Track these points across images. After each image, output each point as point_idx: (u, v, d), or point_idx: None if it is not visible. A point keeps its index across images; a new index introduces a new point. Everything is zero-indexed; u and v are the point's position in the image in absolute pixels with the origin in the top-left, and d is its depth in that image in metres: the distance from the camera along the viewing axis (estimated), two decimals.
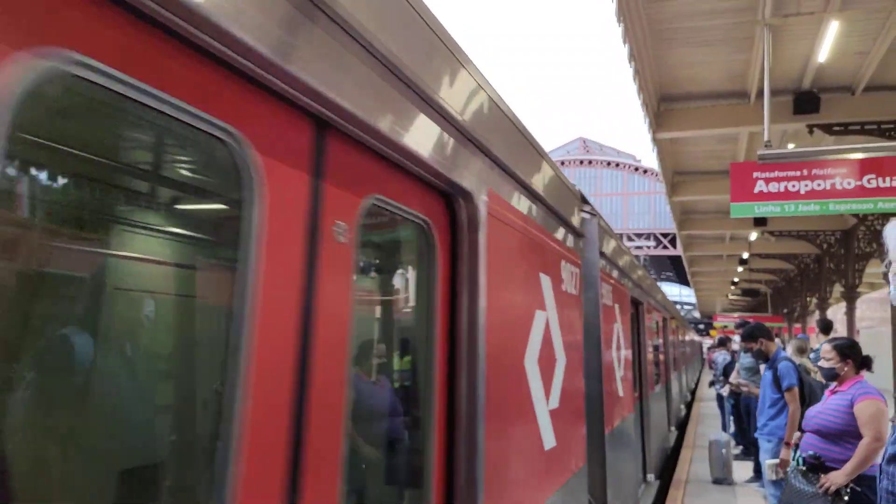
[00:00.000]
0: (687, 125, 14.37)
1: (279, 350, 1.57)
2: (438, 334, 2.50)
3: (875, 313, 36.31)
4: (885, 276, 2.40)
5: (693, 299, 69.40)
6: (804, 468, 4.93)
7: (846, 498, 4.69)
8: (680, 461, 11.90)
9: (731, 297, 48.77)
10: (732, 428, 12.09)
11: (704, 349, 44.08)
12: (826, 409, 5.12)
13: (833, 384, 5.24)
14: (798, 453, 5.12)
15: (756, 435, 7.17)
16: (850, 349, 5.15)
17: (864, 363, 5.17)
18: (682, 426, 17.04)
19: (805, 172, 9.78)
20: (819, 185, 9.71)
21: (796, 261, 28.44)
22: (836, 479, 4.74)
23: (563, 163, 78.04)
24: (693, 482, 9.88)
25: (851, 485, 4.71)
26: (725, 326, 39.13)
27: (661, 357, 12.92)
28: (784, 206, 9.91)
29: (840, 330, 25.40)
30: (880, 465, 2.61)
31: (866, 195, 9.58)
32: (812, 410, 5.35)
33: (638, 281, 9.07)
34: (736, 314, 46.72)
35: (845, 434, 4.88)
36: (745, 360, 9.62)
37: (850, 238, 20.49)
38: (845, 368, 5.09)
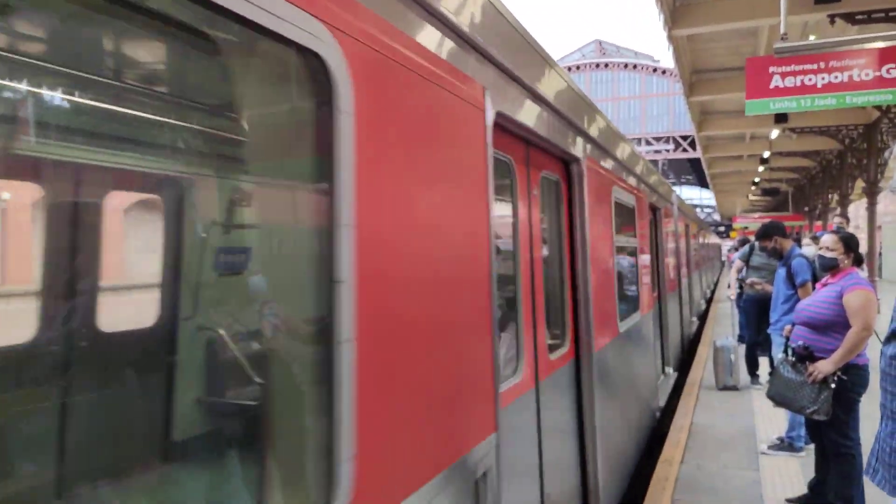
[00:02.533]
0: (704, 20, 13.89)
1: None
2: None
3: None
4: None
5: (713, 202, 68.85)
6: (794, 359, 5.03)
7: (833, 386, 4.79)
8: (696, 358, 12.18)
9: (751, 197, 48.28)
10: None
11: (724, 251, 44.15)
12: (816, 300, 5.16)
13: (826, 276, 5.27)
14: (788, 345, 5.21)
15: (769, 331, 7.26)
16: (853, 241, 5.15)
17: (860, 259, 5.19)
18: (701, 325, 17.37)
19: (822, 65, 9.48)
20: (836, 77, 9.42)
21: (818, 157, 27.94)
22: (823, 367, 4.82)
23: (578, 67, 76.03)
24: (707, 385, 10.08)
25: (838, 373, 4.81)
26: (746, 227, 38.87)
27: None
28: (800, 101, 9.66)
29: (862, 225, 25.20)
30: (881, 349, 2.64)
31: (885, 86, 9.28)
32: (803, 303, 5.40)
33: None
34: (756, 214, 46.39)
35: (834, 325, 4.93)
36: (757, 259, 9.60)
37: (873, 132, 20.02)
38: (846, 261, 5.09)
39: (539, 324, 3.80)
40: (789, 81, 9.67)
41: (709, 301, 22.98)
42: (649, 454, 7.36)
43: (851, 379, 4.84)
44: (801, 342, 5.06)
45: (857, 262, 5.18)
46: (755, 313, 9.54)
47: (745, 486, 5.97)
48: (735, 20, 13.64)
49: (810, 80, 9.57)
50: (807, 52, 9.09)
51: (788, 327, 5.55)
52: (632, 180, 7.00)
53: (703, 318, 18.93)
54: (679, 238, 12.99)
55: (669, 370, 9.94)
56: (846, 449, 4.91)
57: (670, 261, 11.03)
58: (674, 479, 6.14)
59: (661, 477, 6.19)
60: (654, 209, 9.15)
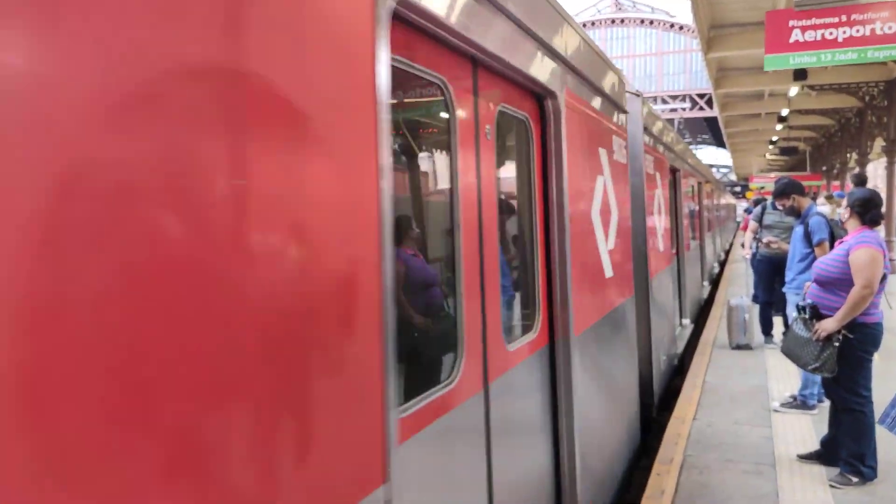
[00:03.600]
0: None
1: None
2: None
3: None
4: None
5: (729, 162, 68.00)
6: (806, 316, 5.04)
7: (836, 344, 4.81)
8: (709, 319, 12.17)
9: (768, 157, 47.64)
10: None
11: (739, 211, 43.75)
12: (828, 258, 5.19)
13: (845, 235, 5.30)
14: (799, 303, 5.23)
15: (784, 289, 7.21)
16: (858, 201, 5.09)
17: (872, 219, 5.08)
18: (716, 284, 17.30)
19: (844, 18, 9.22)
20: (858, 31, 9.16)
21: (837, 116, 27.43)
22: (826, 325, 4.85)
23: (593, 23, 74.66)
24: (720, 344, 10.06)
25: (844, 331, 4.82)
26: (762, 188, 38.40)
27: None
28: (820, 56, 9.43)
29: (880, 185, 24.83)
30: None
31: None
32: (818, 261, 5.42)
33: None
34: (773, 174, 45.82)
35: (839, 282, 4.93)
36: (770, 218, 9.50)
37: (894, 88, 19.58)
38: (846, 216, 5.13)
39: None
40: (809, 35, 9.43)
41: (722, 264, 22.76)
42: None
43: (858, 337, 4.84)
44: (809, 300, 5.08)
45: (871, 222, 5.13)
46: (767, 273, 9.49)
47: (756, 442, 6.02)
48: None
49: (831, 33, 9.32)
50: (828, 5, 8.88)
51: (808, 284, 5.54)
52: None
53: (716, 280, 18.81)
54: (663, 192, 8.40)
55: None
56: (857, 406, 4.94)
57: (647, 231, 7.05)
58: (686, 435, 6.21)
59: (673, 434, 6.26)
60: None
